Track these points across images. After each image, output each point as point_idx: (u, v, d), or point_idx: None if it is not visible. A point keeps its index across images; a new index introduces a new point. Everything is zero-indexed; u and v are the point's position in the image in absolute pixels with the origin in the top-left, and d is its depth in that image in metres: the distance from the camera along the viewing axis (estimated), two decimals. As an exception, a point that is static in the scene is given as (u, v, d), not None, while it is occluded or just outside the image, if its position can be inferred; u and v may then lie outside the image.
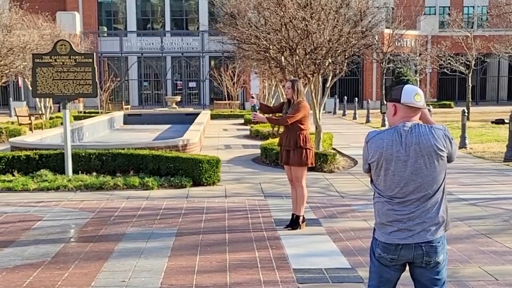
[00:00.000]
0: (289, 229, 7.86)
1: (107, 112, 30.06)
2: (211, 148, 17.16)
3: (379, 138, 3.65)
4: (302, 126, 7.75)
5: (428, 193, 3.56)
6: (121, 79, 42.83)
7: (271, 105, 29.36)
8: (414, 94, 3.61)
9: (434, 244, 3.56)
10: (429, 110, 3.71)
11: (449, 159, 3.63)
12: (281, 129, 16.66)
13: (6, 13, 24.20)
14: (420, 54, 36.58)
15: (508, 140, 14.50)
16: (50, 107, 28.56)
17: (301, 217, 7.90)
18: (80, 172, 11.65)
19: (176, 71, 47.86)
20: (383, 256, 3.63)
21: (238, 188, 11.08)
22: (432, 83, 47.58)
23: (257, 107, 7.87)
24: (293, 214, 7.97)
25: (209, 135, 21.69)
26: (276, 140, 14.65)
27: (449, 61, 31.05)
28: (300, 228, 7.84)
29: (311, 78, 14.10)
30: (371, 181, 3.75)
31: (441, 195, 3.60)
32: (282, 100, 23.89)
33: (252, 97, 8.31)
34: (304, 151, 7.71)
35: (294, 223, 7.89)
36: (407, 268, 3.71)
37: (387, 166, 3.59)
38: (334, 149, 15.99)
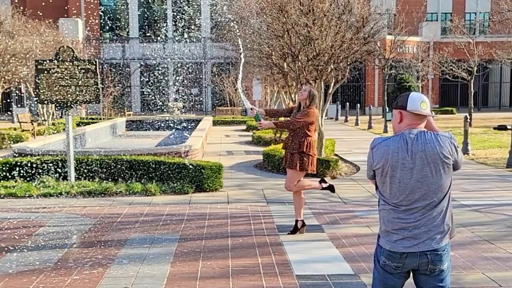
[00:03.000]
0: (287, 233, 7.90)
1: (109, 118, 30.08)
2: (213, 154, 17.16)
3: (384, 144, 3.63)
4: (308, 132, 7.75)
5: (433, 201, 3.54)
6: (123, 85, 42.87)
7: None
8: (420, 101, 3.60)
9: (439, 252, 3.55)
10: (433, 116, 3.65)
11: (455, 167, 3.62)
12: (284, 135, 16.61)
13: (9, 19, 24.28)
14: (422, 60, 36.65)
15: (511, 146, 14.48)
16: (53, 113, 28.60)
17: (300, 222, 7.95)
18: (82, 178, 11.66)
19: (178, 77, 47.89)
20: (387, 263, 3.62)
21: (241, 194, 11.08)
22: (434, 89, 47.59)
23: (260, 117, 7.83)
24: (296, 221, 7.98)
25: (211, 141, 21.70)
26: (278, 146, 14.67)
27: (451, 67, 31.05)
28: (299, 232, 7.89)
29: (313, 84, 14.11)
30: (376, 187, 3.74)
31: (446, 203, 3.58)
32: (284, 106, 23.92)
33: (252, 109, 8.28)
34: (307, 157, 7.72)
35: (295, 227, 7.94)
36: (411, 274, 3.70)
37: (392, 173, 3.58)
38: (336, 155, 15.99)
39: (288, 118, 7.95)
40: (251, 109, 8.01)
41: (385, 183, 3.62)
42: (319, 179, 8.31)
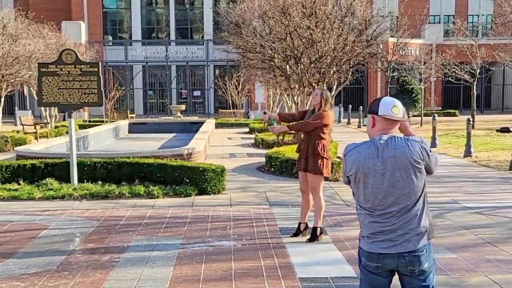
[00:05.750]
0: (290, 236, 7.82)
1: (112, 121, 30.11)
2: (216, 157, 17.16)
3: (356, 151, 3.68)
4: (322, 135, 7.64)
5: (407, 205, 3.57)
6: (126, 88, 42.94)
7: (276, 112, 29.42)
8: (392, 106, 3.63)
9: (417, 254, 3.57)
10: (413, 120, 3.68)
11: (428, 171, 3.64)
12: (287, 137, 16.62)
13: (12, 22, 24.32)
14: (424, 63, 36.61)
15: (514, 148, 14.45)
16: (55, 116, 28.64)
17: (319, 229, 7.74)
18: (85, 180, 11.65)
19: (181, 80, 47.99)
20: (368, 264, 3.67)
21: (243, 197, 11.08)
22: (437, 91, 47.54)
23: (273, 121, 7.77)
24: (299, 223, 7.94)
25: (214, 144, 21.69)
26: (281, 148, 14.67)
27: (453, 70, 30.99)
28: (318, 240, 7.67)
29: (316, 87, 14.11)
30: (353, 193, 3.79)
31: (421, 205, 3.61)
32: (286, 109, 23.94)
33: (265, 113, 8.39)
34: (321, 159, 7.61)
35: (312, 235, 7.71)
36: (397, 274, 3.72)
37: (365, 179, 3.62)
38: (339, 157, 15.96)
39: (302, 121, 7.83)
40: (264, 113, 7.95)
41: (359, 188, 3.67)
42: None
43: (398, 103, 3.67)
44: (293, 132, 8.86)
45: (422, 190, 3.62)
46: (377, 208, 3.61)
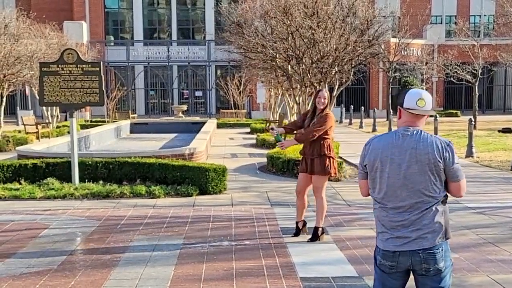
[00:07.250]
0: (291, 236, 7.82)
1: (114, 121, 30.11)
2: (217, 157, 17.15)
3: (377, 141, 3.69)
4: (326, 136, 7.64)
5: (421, 200, 3.54)
6: (127, 88, 42.94)
7: (278, 112, 29.44)
8: (418, 98, 3.57)
9: (432, 251, 3.53)
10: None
11: (449, 174, 3.58)
12: (289, 137, 16.61)
13: (14, 22, 24.30)
14: (426, 63, 36.62)
15: (516, 148, 14.43)
16: (57, 116, 28.65)
17: (320, 229, 7.75)
18: (86, 180, 11.66)
19: (183, 80, 47.97)
20: (383, 263, 3.64)
21: (245, 197, 11.07)
22: (439, 92, 47.47)
23: (280, 137, 7.78)
24: (297, 223, 7.93)
25: (215, 144, 21.69)
26: (282, 148, 14.64)
27: (455, 70, 30.97)
28: (319, 240, 7.67)
29: (318, 87, 14.11)
30: (364, 194, 3.80)
31: (436, 202, 3.57)
32: (288, 109, 23.92)
33: (272, 129, 8.47)
34: (328, 159, 7.60)
35: (313, 235, 7.71)
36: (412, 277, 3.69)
37: (382, 168, 3.60)
38: (340, 157, 15.94)
39: (307, 129, 7.71)
40: (271, 129, 7.95)
41: (375, 178, 3.65)
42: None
43: (425, 94, 3.59)
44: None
45: (439, 189, 3.57)
46: (390, 199, 3.57)
